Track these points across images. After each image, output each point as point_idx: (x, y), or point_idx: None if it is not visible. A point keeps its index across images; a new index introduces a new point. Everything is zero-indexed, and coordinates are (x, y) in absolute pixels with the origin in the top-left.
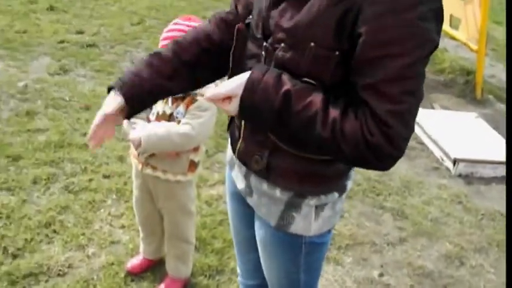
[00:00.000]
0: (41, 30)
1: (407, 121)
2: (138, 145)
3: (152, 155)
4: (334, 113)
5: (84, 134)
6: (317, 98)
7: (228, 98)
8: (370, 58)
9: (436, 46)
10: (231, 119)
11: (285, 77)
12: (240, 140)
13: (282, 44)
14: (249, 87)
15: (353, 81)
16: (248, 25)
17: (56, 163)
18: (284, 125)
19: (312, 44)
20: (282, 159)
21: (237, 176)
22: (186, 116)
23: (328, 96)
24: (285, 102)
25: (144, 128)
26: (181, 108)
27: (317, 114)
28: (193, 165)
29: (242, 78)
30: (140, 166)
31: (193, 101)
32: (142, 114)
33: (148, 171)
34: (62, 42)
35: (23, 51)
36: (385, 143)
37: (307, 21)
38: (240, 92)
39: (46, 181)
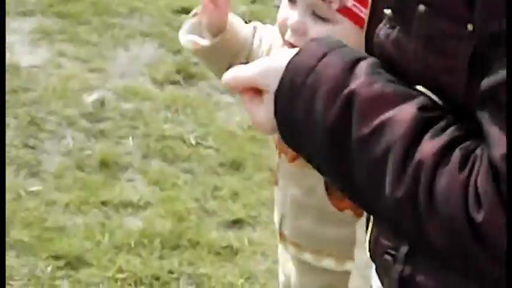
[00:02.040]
0: None
1: None
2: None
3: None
4: (425, 150)
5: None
6: (403, 115)
7: (258, 93)
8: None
9: None
10: None
11: (365, 66)
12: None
13: (389, 11)
14: (289, 78)
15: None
16: None
17: None
18: (338, 160)
19: (422, 7)
20: (427, 269)
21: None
22: None
23: (429, 116)
24: (342, 116)
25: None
26: None
27: (390, 149)
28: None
29: (282, 58)
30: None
31: None
32: None
33: (291, 250)
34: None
35: (100, 29)
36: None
37: None
38: (274, 83)
39: None
